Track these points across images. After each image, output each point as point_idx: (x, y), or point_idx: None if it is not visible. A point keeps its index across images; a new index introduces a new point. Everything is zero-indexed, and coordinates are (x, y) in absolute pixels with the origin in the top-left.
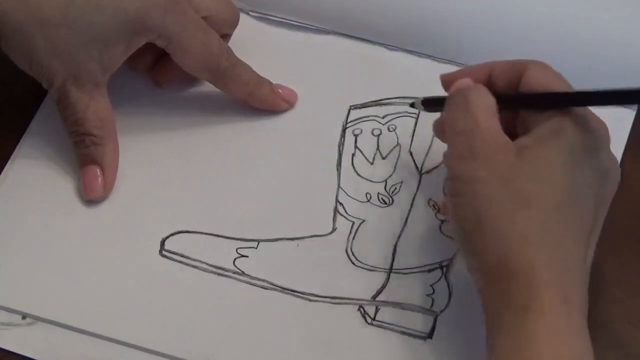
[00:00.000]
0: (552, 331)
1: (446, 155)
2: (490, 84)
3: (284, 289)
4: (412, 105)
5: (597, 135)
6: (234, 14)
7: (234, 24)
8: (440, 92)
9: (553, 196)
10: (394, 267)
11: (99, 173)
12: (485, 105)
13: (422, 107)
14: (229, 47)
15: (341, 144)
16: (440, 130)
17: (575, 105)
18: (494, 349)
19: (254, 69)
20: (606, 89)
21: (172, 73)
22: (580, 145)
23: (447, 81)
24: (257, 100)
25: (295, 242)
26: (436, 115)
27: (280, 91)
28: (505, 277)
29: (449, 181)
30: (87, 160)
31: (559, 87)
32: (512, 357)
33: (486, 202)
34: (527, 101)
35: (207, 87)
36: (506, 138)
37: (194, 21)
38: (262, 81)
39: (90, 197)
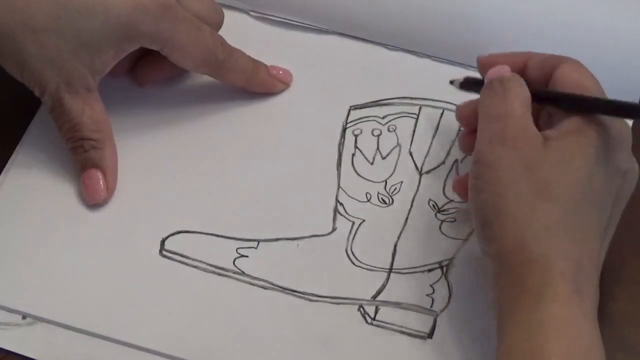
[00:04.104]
0: (564, 319)
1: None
2: (525, 73)
3: (284, 289)
4: (451, 82)
5: (619, 135)
6: (219, 15)
7: (219, 24)
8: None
9: (574, 189)
10: (394, 267)
11: (100, 176)
12: (522, 95)
13: (460, 86)
14: (221, 36)
15: (341, 144)
16: (464, 114)
17: (600, 113)
18: (505, 334)
19: None
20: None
21: (153, 73)
22: (602, 143)
23: (484, 64)
24: (256, 85)
25: (295, 242)
26: (436, 114)
27: (275, 72)
28: (521, 263)
29: (474, 164)
30: (88, 164)
31: (589, 86)
32: (523, 341)
33: (508, 189)
34: (557, 99)
35: (199, 83)
36: (536, 130)
37: (185, 21)
38: (258, 65)
39: (93, 201)
